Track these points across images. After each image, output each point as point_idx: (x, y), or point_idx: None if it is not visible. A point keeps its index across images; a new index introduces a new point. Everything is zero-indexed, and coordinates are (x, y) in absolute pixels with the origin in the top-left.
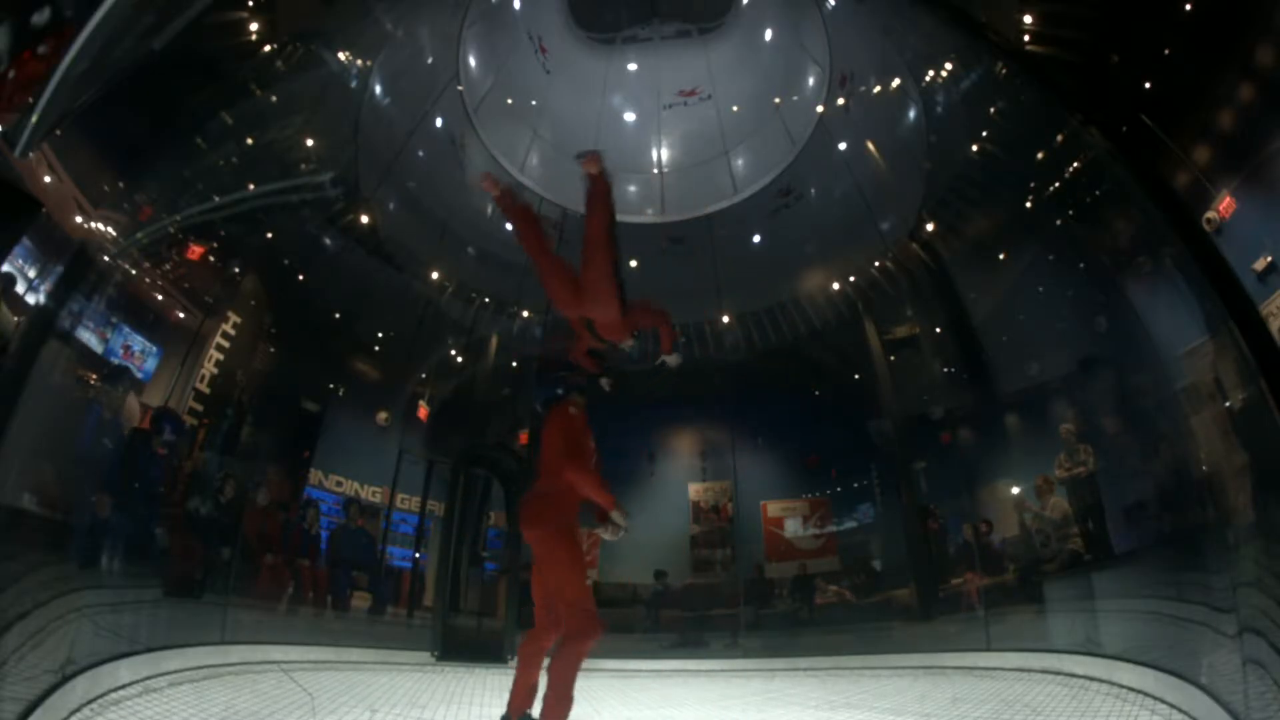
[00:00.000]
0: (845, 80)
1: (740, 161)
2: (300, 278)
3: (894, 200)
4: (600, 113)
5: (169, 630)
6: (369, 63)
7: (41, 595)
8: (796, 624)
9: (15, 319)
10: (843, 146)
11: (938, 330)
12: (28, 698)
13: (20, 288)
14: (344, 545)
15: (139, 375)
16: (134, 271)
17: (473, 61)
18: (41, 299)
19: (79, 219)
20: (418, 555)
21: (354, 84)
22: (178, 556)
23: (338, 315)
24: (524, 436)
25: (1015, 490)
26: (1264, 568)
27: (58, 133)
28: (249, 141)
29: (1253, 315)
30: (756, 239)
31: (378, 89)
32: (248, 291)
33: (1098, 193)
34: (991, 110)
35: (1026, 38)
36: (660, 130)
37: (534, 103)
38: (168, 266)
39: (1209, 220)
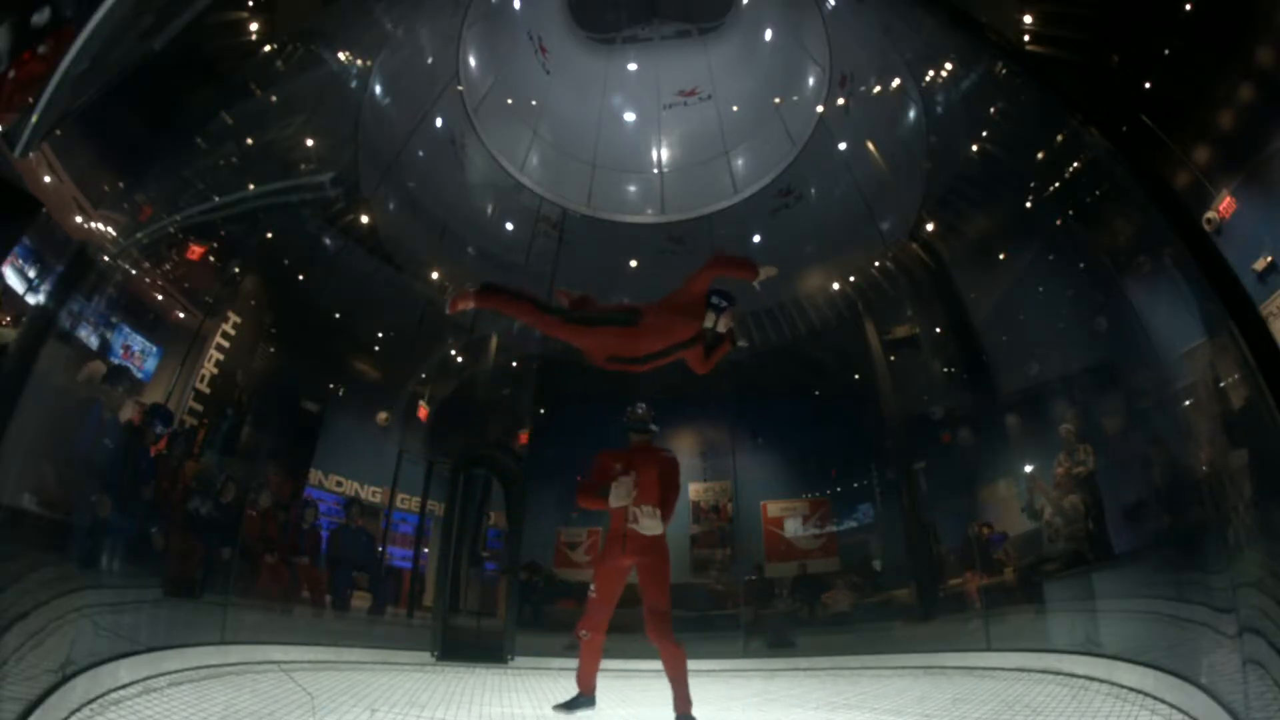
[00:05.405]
0: (845, 80)
1: (740, 161)
2: (300, 278)
3: (894, 200)
4: (600, 113)
5: (169, 630)
6: (369, 63)
7: (41, 595)
8: (796, 624)
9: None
10: (843, 146)
11: (938, 330)
12: (28, 698)
13: (20, 288)
14: (344, 545)
15: (139, 375)
16: (134, 271)
17: (473, 61)
18: (41, 299)
19: (79, 219)
20: (419, 554)
21: (354, 84)
22: (178, 556)
23: (338, 315)
24: (524, 436)
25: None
26: (1264, 568)
27: (58, 133)
28: (249, 141)
29: (1253, 315)
30: (756, 239)
31: (378, 89)
32: (248, 291)
33: (1098, 193)
34: (991, 110)
35: (1026, 38)
36: (660, 130)
37: (534, 103)
38: (168, 266)
39: (1209, 220)
